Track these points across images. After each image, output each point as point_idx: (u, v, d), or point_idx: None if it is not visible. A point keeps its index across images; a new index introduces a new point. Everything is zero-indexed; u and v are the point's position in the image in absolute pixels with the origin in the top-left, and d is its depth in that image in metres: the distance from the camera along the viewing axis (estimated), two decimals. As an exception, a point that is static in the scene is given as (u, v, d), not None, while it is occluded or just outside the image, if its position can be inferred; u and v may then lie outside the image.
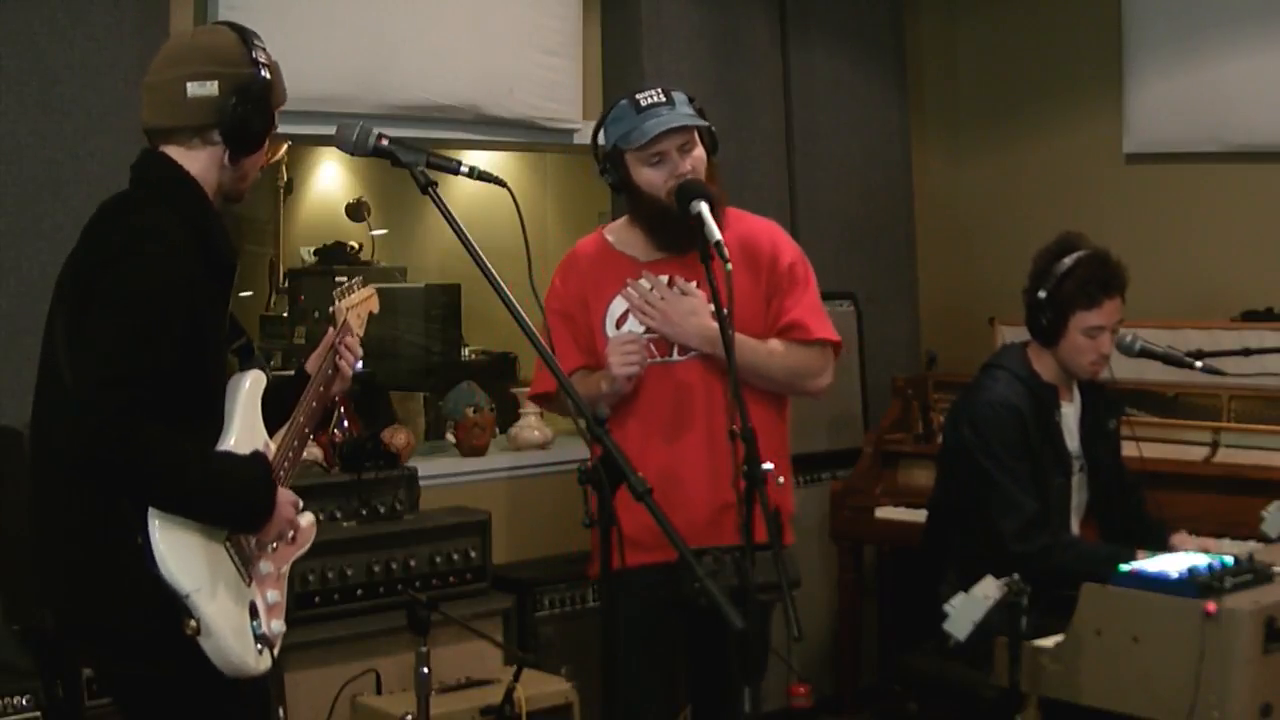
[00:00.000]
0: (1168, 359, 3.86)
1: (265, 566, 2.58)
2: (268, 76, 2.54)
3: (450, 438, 4.97)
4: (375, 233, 7.70)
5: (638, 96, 3.15)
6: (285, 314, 7.29)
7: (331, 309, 2.89)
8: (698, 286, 3.18)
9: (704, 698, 3.30)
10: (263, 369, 2.65)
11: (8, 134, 3.63)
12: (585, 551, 4.18)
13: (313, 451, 4.35)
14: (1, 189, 3.64)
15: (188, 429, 2.39)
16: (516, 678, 3.72)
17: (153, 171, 2.52)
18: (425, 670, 3.46)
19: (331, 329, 2.85)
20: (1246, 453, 4.32)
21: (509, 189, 2.54)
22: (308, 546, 2.73)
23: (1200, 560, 2.95)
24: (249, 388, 2.60)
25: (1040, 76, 5.64)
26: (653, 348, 3.18)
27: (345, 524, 4.12)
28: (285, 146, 2.74)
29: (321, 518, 4.17)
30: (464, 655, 4.03)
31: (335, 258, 7.50)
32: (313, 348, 2.92)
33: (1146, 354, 3.84)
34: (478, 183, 2.51)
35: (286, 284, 7.53)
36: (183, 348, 2.38)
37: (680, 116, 3.12)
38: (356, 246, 7.63)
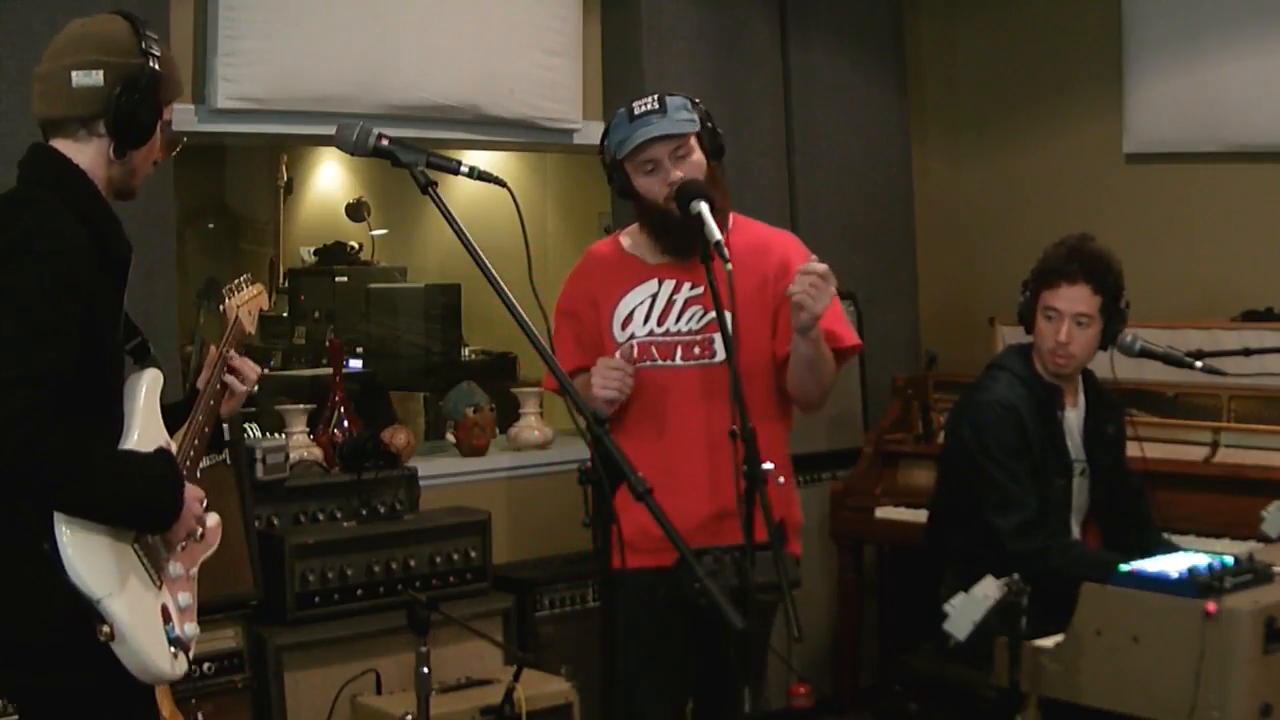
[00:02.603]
0: (1168, 359, 3.86)
1: (175, 569, 2.50)
2: (157, 68, 2.46)
3: (450, 438, 4.97)
4: (375, 233, 7.70)
5: (633, 105, 3.13)
6: (285, 314, 7.30)
7: (221, 307, 2.82)
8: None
9: (708, 697, 3.29)
10: (159, 368, 2.59)
11: (8, 134, 3.62)
12: (585, 551, 4.18)
13: (313, 451, 4.36)
14: (2, 189, 3.62)
15: (88, 430, 2.31)
16: (516, 678, 3.73)
17: (42, 166, 2.45)
18: (425, 670, 3.46)
19: (213, 346, 2.73)
20: (1246, 453, 4.31)
21: (509, 189, 2.53)
22: (216, 544, 2.64)
23: (1200, 560, 2.95)
24: (147, 387, 2.53)
25: (1040, 77, 5.63)
26: (654, 350, 3.16)
27: (345, 524, 4.12)
28: (182, 143, 2.63)
29: (321, 518, 4.18)
30: (464, 655, 4.03)
31: (335, 258, 7.51)
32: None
33: (1146, 354, 3.84)
34: (478, 183, 2.50)
35: (286, 284, 7.53)
36: (80, 347, 2.31)
37: (668, 124, 3.09)
38: (356, 246, 7.64)
